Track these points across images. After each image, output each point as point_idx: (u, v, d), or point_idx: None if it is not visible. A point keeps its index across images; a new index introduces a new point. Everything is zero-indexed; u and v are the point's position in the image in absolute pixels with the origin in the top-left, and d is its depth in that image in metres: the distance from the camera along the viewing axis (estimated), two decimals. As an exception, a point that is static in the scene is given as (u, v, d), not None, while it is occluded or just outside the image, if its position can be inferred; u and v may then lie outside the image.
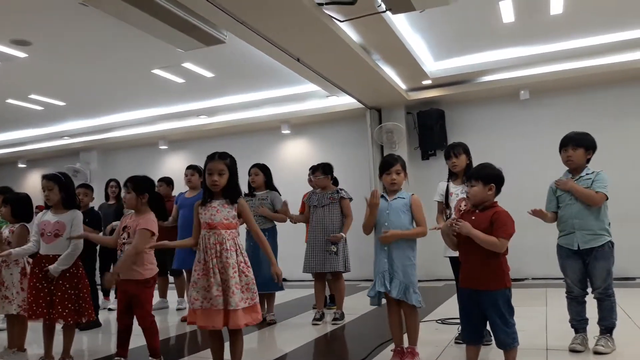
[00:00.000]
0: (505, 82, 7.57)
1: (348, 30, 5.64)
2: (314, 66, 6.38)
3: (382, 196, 3.44)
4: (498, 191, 2.91)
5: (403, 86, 7.89)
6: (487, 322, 2.91)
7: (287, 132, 9.29)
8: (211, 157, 3.09)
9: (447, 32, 6.50)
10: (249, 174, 5.12)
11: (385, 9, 5.02)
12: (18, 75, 7.13)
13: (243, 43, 5.65)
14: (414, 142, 8.45)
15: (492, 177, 2.90)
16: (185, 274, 5.84)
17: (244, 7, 4.61)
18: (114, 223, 5.37)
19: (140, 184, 3.51)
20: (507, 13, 5.93)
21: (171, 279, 6.34)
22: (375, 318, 5.01)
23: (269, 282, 4.83)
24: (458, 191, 3.83)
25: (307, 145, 9.43)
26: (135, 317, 3.48)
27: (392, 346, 3.42)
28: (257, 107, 8.94)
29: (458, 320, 3.26)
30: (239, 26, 4.94)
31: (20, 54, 6.28)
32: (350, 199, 5.06)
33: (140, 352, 3.71)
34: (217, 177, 3.03)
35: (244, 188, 5.03)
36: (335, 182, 5.24)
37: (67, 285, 3.55)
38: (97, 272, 5.86)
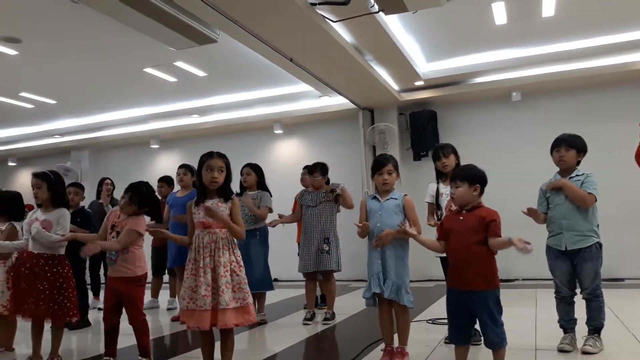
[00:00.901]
0: (497, 84, 7.62)
1: (341, 30, 5.65)
2: (307, 66, 6.39)
3: (375, 197, 3.45)
4: (482, 191, 2.92)
5: (395, 87, 7.92)
6: (476, 322, 2.93)
7: (280, 132, 9.29)
8: (209, 155, 3.08)
9: (439, 33, 6.53)
10: (241, 174, 5.11)
11: (378, 10, 5.04)
12: (8, 72, 7.08)
13: (236, 42, 5.65)
14: (406, 142, 8.48)
15: (477, 177, 2.91)
16: (177, 273, 5.82)
17: (236, 6, 4.61)
18: None
19: (143, 201, 3.49)
20: (500, 15, 5.97)
21: (166, 278, 6.34)
22: (366, 318, 5.01)
23: (259, 282, 4.86)
24: (448, 191, 3.84)
25: (300, 145, 9.43)
26: (124, 315, 3.46)
27: (382, 346, 3.43)
28: (250, 106, 8.93)
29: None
30: (231, 25, 4.94)
31: (10, 51, 6.24)
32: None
33: (129, 352, 3.69)
34: (218, 174, 3.02)
35: (236, 187, 5.02)
36: (327, 182, 5.24)
37: (49, 286, 3.49)
38: (87, 272, 5.84)
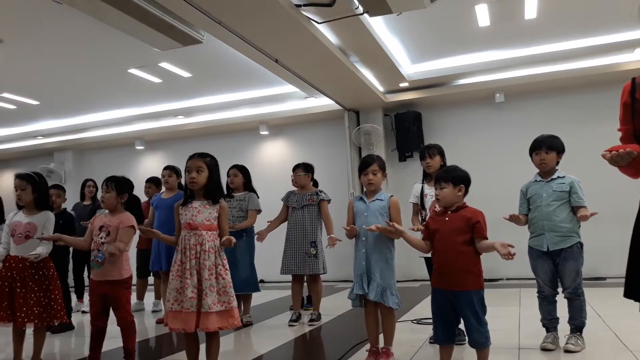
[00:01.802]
0: (481, 85, 7.68)
1: (326, 32, 5.66)
2: (292, 67, 6.39)
3: (361, 198, 3.47)
4: (466, 192, 2.96)
5: (381, 88, 7.95)
6: (460, 322, 2.96)
7: (266, 133, 9.27)
8: (191, 156, 3.10)
9: (423, 35, 6.57)
10: (228, 175, 5.09)
11: (362, 12, 5.06)
12: (-10, 73, 6.99)
13: (220, 43, 5.64)
14: (391, 143, 8.52)
15: (461, 178, 2.95)
16: (162, 275, 5.79)
17: (221, 8, 4.60)
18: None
19: (121, 184, 3.48)
20: (483, 17, 6.03)
21: (151, 280, 6.31)
22: (352, 319, 5.03)
23: (245, 284, 4.85)
24: (432, 192, 3.86)
25: (286, 146, 9.42)
26: (112, 318, 3.42)
27: (368, 346, 3.45)
28: (235, 107, 8.91)
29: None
30: (216, 26, 4.92)
31: (-9, 51, 6.16)
32: (329, 201, 5.07)
33: (113, 355, 3.66)
34: (195, 175, 3.02)
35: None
36: (315, 184, 5.24)
37: (36, 288, 3.47)
38: (71, 275, 5.79)
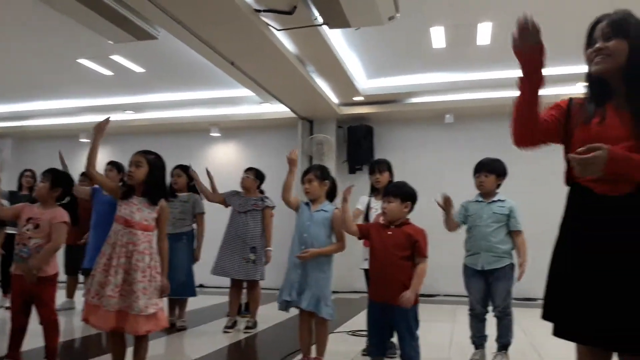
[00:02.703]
0: (431, 105, 7.89)
1: (284, 39, 5.67)
2: (248, 71, 6.36)
3: (307, 204, 3.48)
4: (412, 209, 3.02)
5: (335, 100, 8.02)
6: (393, 335, 3.00)
7: (217, 135, 9.16)
8: (135, 152, 3.03)
9: (380, 51, 6.69)
10: (172, 175, 4.99)
11: (321, 23, 5.10)
12: None
13: (177, 40, 5.53)
14: (342, 155, 8.58)
15: (409, 195, 3.02)
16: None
17: (179, 6, 4.53)
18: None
19: (57, 178, 3.37)
20: (438, 39, 6.20)
21: (81, 278, 6.06)
22: (288, 327, 4.99)
23: (181, 288, 4.74)
24: (379, 206, 3.92)
25: (237, 150, 9.34)
26: (35, 315, 3.27)
27: (300, 356, 3.44)
28: (188, 106, 8.77)
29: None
30: (173, 23, 4.84)
31: None
32: (274, 207, 5.04)
33: (34, 355, 3.49)
34: (134, 169, 2.95)
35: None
36: (261, 192, 5.19)
37: None
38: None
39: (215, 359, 3.95)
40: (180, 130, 9.27)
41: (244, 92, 7.87)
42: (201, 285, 7.60)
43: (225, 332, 4.79)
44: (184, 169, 5.04)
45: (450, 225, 3.70)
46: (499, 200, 3.72)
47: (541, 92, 1.83)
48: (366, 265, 3.50)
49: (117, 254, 2.83)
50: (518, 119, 1.94)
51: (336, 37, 6.08)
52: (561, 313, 1.74)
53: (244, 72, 6.33)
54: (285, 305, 3.37)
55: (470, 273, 3.69)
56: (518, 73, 1.86)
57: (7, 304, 5.93)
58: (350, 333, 4.75)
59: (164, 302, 2.94)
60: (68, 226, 3.30)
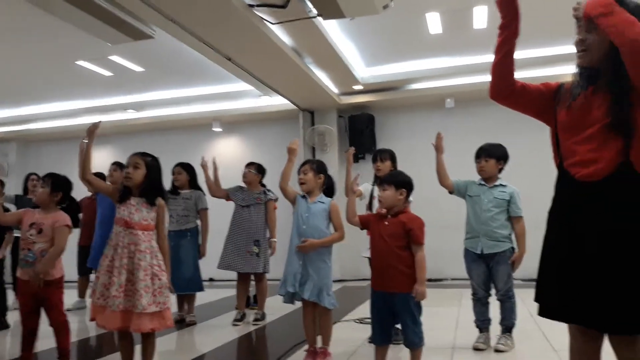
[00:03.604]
0: (431, 91, 7.87)
1: (280, 33, 5.68)
2: (246, 66, 6.38)
3: (304, 196, 3.52)
4: (408, 197, 3.04)
5: (335, 90, 8.03)
6: (397, 323, 3.04)
7: (219, 130, 9.20)
8: (132, 154, 3.08)
9: (377, 40, 6.68)
10: (173, 173, 5.04)
11: (315, 15, 5.10)
12: None
13: (173, 38, 5.56)
14: (344, 145, 8.59)
15: (403, 183, 3.03)
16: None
17: (172, 5, 4.55)
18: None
19: (57, 182, 3.42)
20: (434, 25, 6.18)
21: (92, 277, 6.15)
22: (297, 318, 5.04)
23: (188, 283, 4.82)
24: (382, 195, 3.95)
25: (239, 144, 9.37)
26: (46, 318, 3.35)
27: (307, 346, 3.49)
28: (188, 103, 8.79)
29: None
30: (168, 23, 4.86)
31: None
32: (276, 199, 5.09)
33: (47, 356, 3.57)
34: (131, 170, 3.00)
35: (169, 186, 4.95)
36: (262, 185, 5.24)
37: None
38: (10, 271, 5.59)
39: (225, 353, 4.03)
40: (182, 127, 9.31)
41: (244, 86, 7.89)
42: (211, 279, 7.70)
43: (234, 325, 4.86)
44: (184, 166, 5.08)
45: (442, 175, 3.81)
46: (500, 185, 3.75)
47: (516, 43, 2.06)
48: (369, 254, 3.54)
49: (120, 255, 2.89)
50: (496, 68, 2.06)
51: (332, 28, 6.08)
52: (547, 294, 1.80)
53: (241, 67, 6.35)
54: (290, 297, 3.41)
55: (470, 258, 3.73)
56: (517, 57, 2.10)
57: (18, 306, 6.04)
58: (357, 321, 4.80)
59: (171, 302, 2.99)
60: (70, 229, 3.35)
